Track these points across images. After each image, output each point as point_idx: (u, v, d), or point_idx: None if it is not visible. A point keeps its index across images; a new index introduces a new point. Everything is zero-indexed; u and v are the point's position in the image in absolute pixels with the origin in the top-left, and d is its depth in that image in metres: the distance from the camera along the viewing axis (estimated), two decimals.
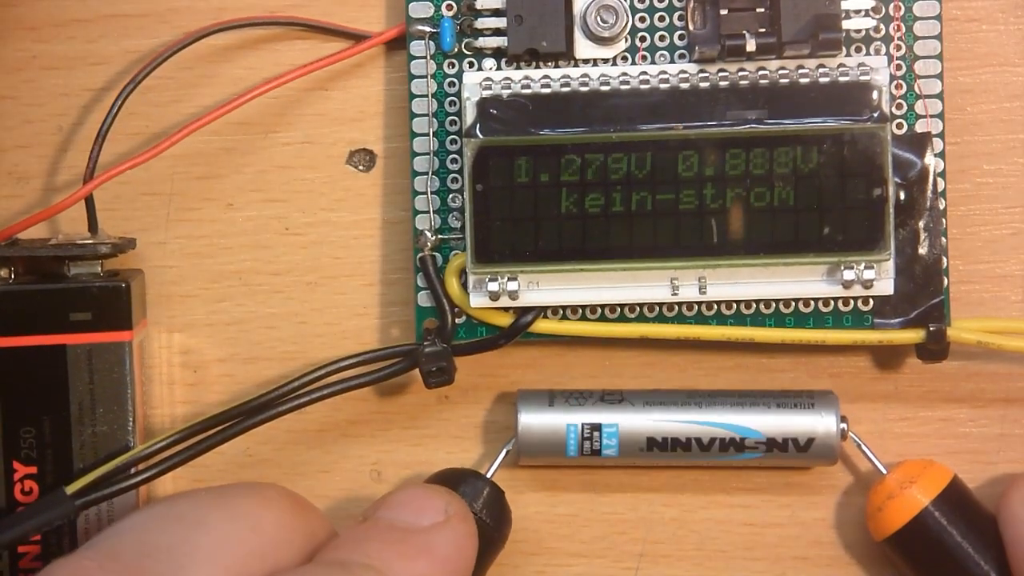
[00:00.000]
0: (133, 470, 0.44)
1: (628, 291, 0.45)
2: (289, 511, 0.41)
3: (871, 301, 0.45)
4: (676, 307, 0.46)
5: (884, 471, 0.45)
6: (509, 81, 0.44)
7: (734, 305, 0.45)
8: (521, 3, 0.45)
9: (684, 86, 0.44)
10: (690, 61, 0.45)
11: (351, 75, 0.47)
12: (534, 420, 0.45)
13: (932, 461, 0.46)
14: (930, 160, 0.45)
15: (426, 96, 0.46)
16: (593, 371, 0.47)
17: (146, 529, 0.39)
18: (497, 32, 0.45)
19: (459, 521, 0.42)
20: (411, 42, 0.46)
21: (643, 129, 0.44)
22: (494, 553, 0.45)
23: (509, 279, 0.44)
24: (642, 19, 0.45)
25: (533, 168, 0.44)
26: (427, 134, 0.46)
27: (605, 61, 0.45)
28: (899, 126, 0.45)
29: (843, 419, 0.45)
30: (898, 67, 0.45)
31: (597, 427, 0.45)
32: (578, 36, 0.45)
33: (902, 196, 0.44)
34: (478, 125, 0.44)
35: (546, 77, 0.44)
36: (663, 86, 0.44)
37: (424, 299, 0.46)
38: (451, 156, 0.46)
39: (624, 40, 0.45)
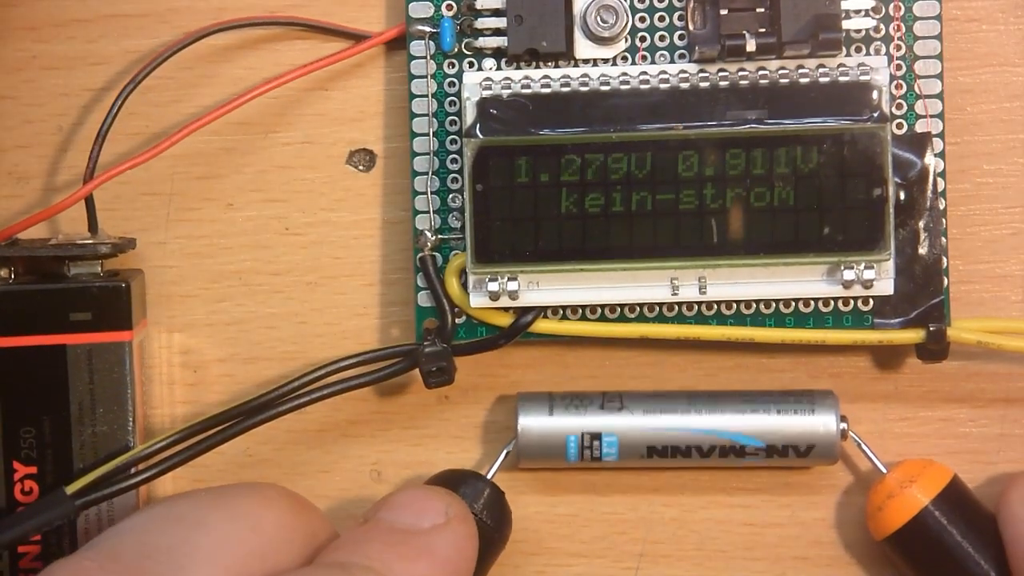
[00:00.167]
0: (133, 470, 0.44)
1: (628, 291, 0.45)
2: (289, 511, 0.41)
3: (871, 301, 0.45)
4: (676, 307, 0.46)
5: (884, 470, 0.46)
6: (509, 81, 0.44)
7: (734, 305, 0.45)
8: (521, 3, 0.45)
9: (684, 86, 0.44)
10: (690, 61, 0.45)
11: (351, 75, 0.47)
12: (534, 427, 0.45)
13: (932, 461, 0.46)
14: (930, 160, 0.45)
15: (426, 96, 0.46)
16: (593, 371, 0.47)
17: (146, 530, 0.39)
18: (497, 32, 0.45)
19: (460, 523, 0.41)
20: (411, 42, 0.46)
21: (643, 129, 0.44)
22: (495, 554, 0.45)
23: (509, 279, 0.44)
24: (642, 19, 0.45)
25: (533, 168, 0.44)
26: (427, 134, 0.46)
27: (605, 61, 0.45)
28: (899, 126, 0.45)
29: (843, 419, 0.45)
30: (898, 67, 0.45)
31: (597, 436, 0.45)
32: (578, 36, 0.45)
33: (902, 196, 0.44)
34: (478, 125, 0.44)
35: (546, 77, 0.44)
36: (663, 86, 0.44)
37: (424, 299, 0.46)
38: (451, 156, 0.46)
39: (624, 40, 0.45)
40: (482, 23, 0.45)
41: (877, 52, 0.45)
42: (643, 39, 0.45)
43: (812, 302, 0.45)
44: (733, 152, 0.43)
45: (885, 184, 0.43)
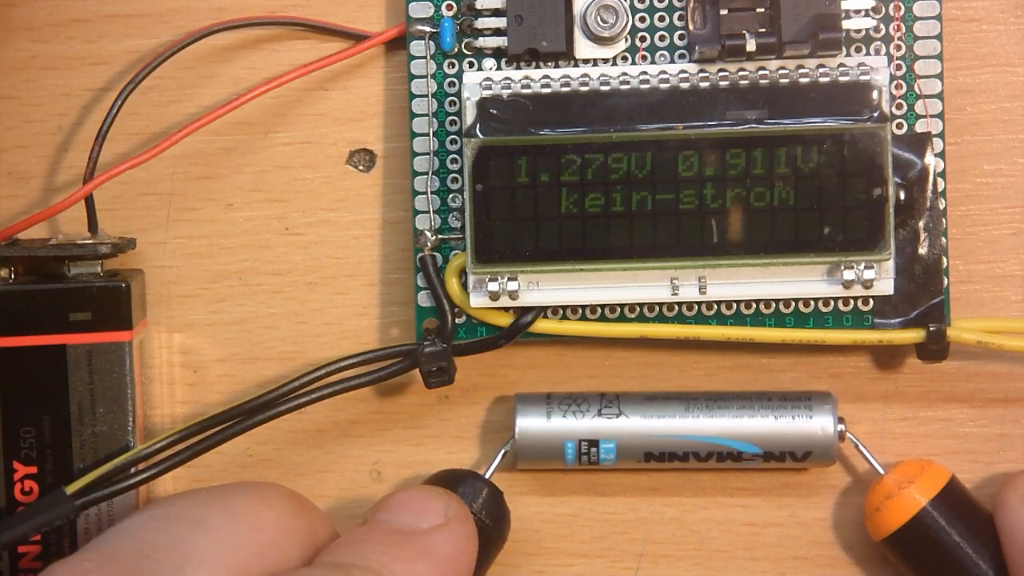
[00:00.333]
0: (133, 470, 0.44)
1: (628, 291, 0.45)
2: (290, 511, 0.41)
3: (871, 301, 0.45)
4: (676, 307, 0.46)
5: (882, 471, 0.46)
6: (509, 81, 0.44)
7: (734, 305, 0.45)
8: (521, 3, 0.45)
9: (684, 86, 0.44)
10: (690, 61, 0.45)
11: (351, 75, 0.47)
12: (531, 431, 0.45)
13: (930, 461, 0.46)
14: (930, 160, 0.45)
15: (426, 96, 0.46)
16: (593, 371, 0.47)
17: (145, 530, 0.39)
18: (497, 32, 0.45)
19: (459, 523, 0.42)
20: (411, 42, 0.46)
21: (643, 129, 0.44)
22: (494, 553, 0.45)
23: (509, 279, 0.44)
24: (642, 19, 0.45)
25: (533, 168, 0.44)
26: (427, 134, 0.46)
27: (605, 61, 0.45)
28: (899, 126, 0.45)
29: (841, 420, 0.45)
30: (898, 67, 0.45)
31: (595, 443, 0.45)
32: (578, 36, 0.45)
33: (902, 196, 0.44)
34: (478, 125, 0.44)
35: (546, 77, 0.44)
36: (663, 86, 0.44)
37: (424, 299, 0.46)
38: (451, 156, 0.46)
39: (624, 40, 0.45)
40: (482, 23, 0.45)
41: (877, 52, 0.45)
42: (643, 39, 0.45)
43: (812, 302, 0.45)
44: (733, 152, 0.43)
45: (885, 184, 0.43)
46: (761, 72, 0.44)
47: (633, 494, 0.47)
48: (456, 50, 0.45)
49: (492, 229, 0.44)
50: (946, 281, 0.45)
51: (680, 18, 0.45)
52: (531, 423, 0.45)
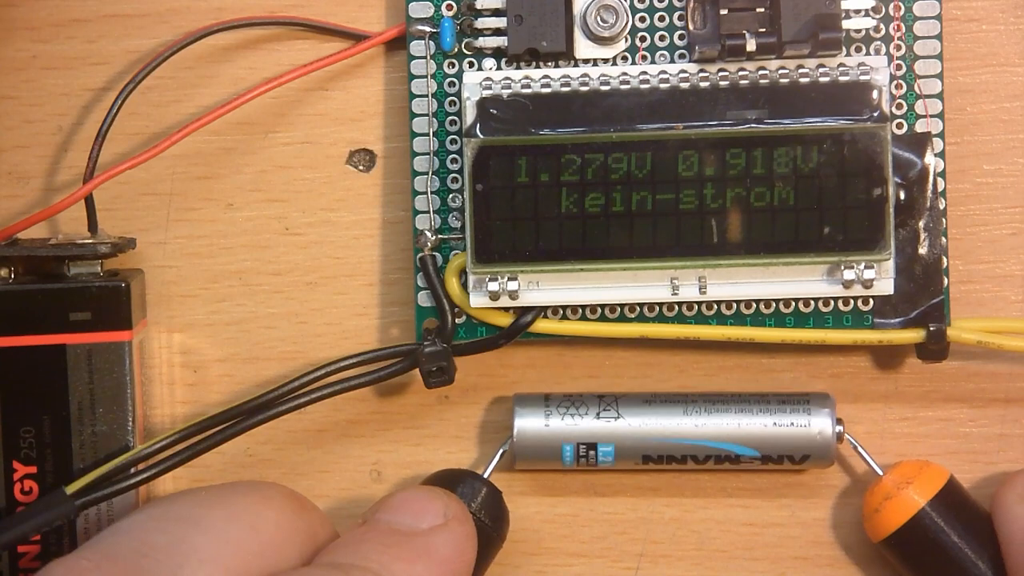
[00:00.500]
0: (133, 470, 0.44)
1: (628, 291, 0.45)
2: (289, 510, 0.41)
3: (871, 301, 0.45)
4: (676, 307, 0.46)
5: (880, 472, 0.45)
6: (509, 81, 0.44)
7: (734, 305, 0.45)
8: (521, 3, 0.45)
9: (684, 86, 0.44)
10: (690, 61, 0.45)
11: (351, 75, 0.47)
12: (529, 434, 0.45)
13: (928, 462, 0.46)
14: (930, 160, 0.45)
15: (426, 96, 0.46)
16: (593, 371, 0.47)
17: (144, 529, 0.39)
18: (497, 32, 0.45)
19: (458, 523, 0.42)
20: (411, 42, 0.46)
21: (643, 129, 0.44)
22: (493, 553, 0.45)
23: (509, 279, 0.44)
24: (642, 19, 0.45)
25: (533, 168, 0.44)
26: (427, 134, 0.46)
27: (605, 61, 0.45)
28: (899, 126, 0.45)
29: (839, 421, 0.45)
30: (898, 67, 0.45)
31: (593, 446, 0.45)
32: (578, 36, 0.45)
33: (902, 196, 0.44)
34: (478, 125, 0.44)
35: (546, 77, 0.44)
36: (663, 86, 0.44)
37: (424, 299, 0.46)
38: (451, 156, 0.46)
39: (624, 40, 0.45)
40: (482, 23, 0.45)
41: (877, 52, 0.45)
42: (643, 39, 0.45)
43: (812, 302, 0.45)
44: (733, 152, 0.43)
45: (885, 184, 0.43)
46: (761, 72, 0.44)
47: (633, 494, 0.47)
48: (456, 50, 0.45)
49: (492, 229, 0.44)
50: (946, 281, 0.45)
51: (680, 18, 0.45)
52: (529, 425, 0.45)
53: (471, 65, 0.45)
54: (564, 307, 0.45)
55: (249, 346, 0.47)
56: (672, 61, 0.45)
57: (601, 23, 0.45)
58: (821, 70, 0.44)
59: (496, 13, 0.45)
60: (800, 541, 0.47)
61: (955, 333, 0.45)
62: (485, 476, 0.46)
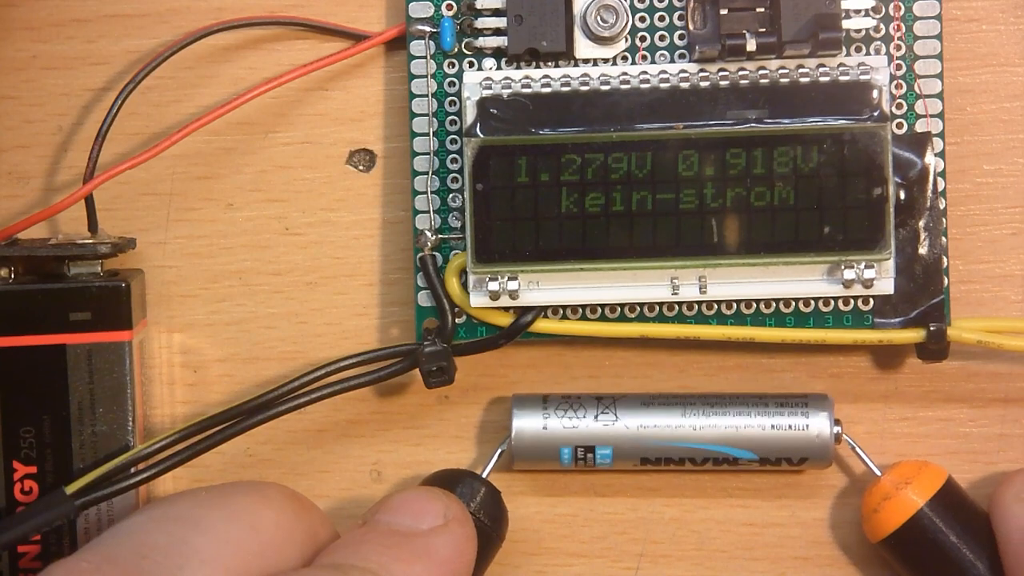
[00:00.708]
0: (133, 470, 0.44)
1: (628, 291, 0.45)
2: (290, 510, 0.41)
3: (871, 301, 0.45)
4: (676, 307, 0.46)
5: (879, 473, 0.45)
6: (509, 81, 0.44)
7: (734, 305, 0.45)
8: (521, 3, 0.45)
9: (684, 86, 0.44)
10: (690, 61, 0.45)
11: (351, 75, 0.47)
12: (527, 436, 0.45)
13: (927, 462, 0.46)
14: (930, 160, 0.45)
15: (426, 96, 0.46)
16: (593, 371, 0.47)
17: (144, 530, 0.39)
18: (497, 32, 0.45)
19: (458, 525, 0.41)
20: (411, 42, 0.46)
21: (643, 128, 0.44)
22: (492, 553, 0.45)
23: (509, 279, 0.44)
24: (642, 19, 0.45)
25: (533, 168, 0.44)
26: (427, 134, 0.46)
27: (605, 61, 0.45)
28: (899, 126, 0.45)
29: (838, 422, 0.45)
30: (898, 67, 0.45)
31: (591, 449, 0.45)
32: (578, 36, 0.45)
33: (902, 196, 0.44)
34: (478, 125, 0.44)
35: (546, 77, 0.44)
36: (663, 86, 0.44)
37: (424, 299, 0.46)
38: (451, 156, 0.46)
39: (624, 40, 0.45)
40: (482, 23, 0.45)
41: (877, 52, 0.45)
42: (643, 39, 0.45)
43: (812, 302, 0.45)
44: (733, 152, 0.43)
45: (885, 184, 0.43)
46: (761, 72, 0.44)
47: (633, 494, 0.47)
48: (456, 50, 0.45)
49: (492, 229, 0.44)
50: (946, 281, 0.45)
51: (680, 18, 0.45)
52: (527, 428, 0.45)
53: (471, 65, 0.45)
54: (564, 307, 0.45)
55: (249, 346, 0.47)
56: (672, 61, 0.45)
57: (601, 23, 0.45)
58: (821, 70, 0.44)
59: (496, 13, 0.45)
60: (800, 541, 0.47)
61: (955, 333, 0.45)
62: (484, 476, 0.46)
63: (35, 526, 0.43)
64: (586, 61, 0.45)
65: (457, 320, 0.46)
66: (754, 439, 0.45)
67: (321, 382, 0.45)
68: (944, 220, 0.45)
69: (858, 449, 0.46)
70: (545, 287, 0.45)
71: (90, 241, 0.45)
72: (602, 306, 0.46)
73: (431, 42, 0.45)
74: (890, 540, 0.45)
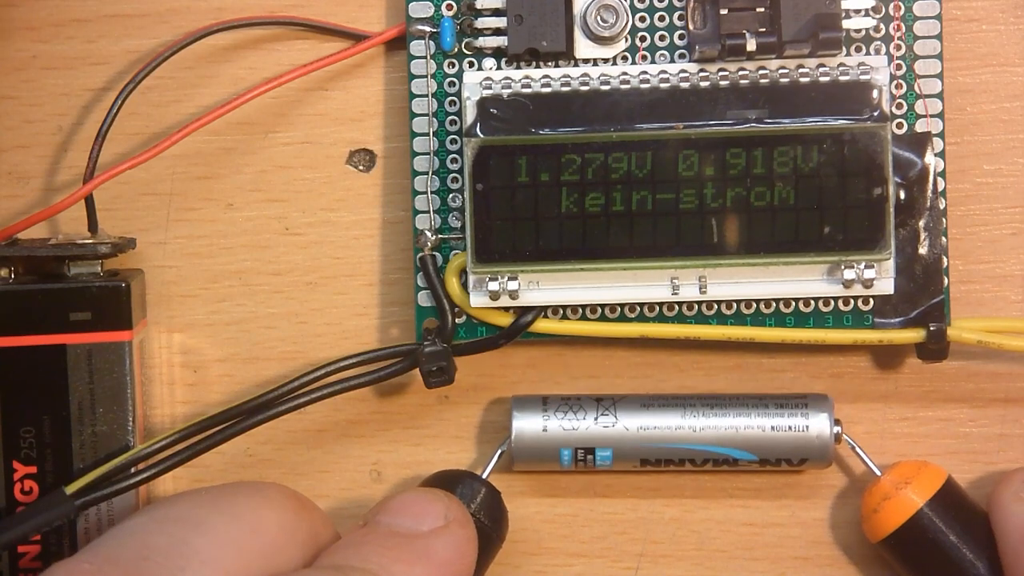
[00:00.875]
0: (133, 470, 0.44)
1: (628, 291, 0.45)
2: (291, 511, 0.41)
3: (871, 301, 0.45)
4: (676, 307, 0.46)
5: (878, 473, 0.45)
6: (509, 81, 0.44)
7: (734, 305, 0.45)
8: (521, 3, 0.45)
9: (684, 85, 0.44)
10: (690, 61, 0.45)
11: (351, 75, 0.47)
12: (527, 437, 0.45)
13: (926, 462, 0.46)
14: (930, 160, 0.45)
15: (426, 96, 0.46)
16: (593, 371, 0.47)
17: (145, 531, 0.39)
18: (497, 32, 0.45)
19: (459, 526, 0.41)
20: (411, 42, 0.46)
21: (643, 128, 0.44)
22: (492, 553, 0.45)
23: (509, 279, 0.44)
24: (642, 19, 0.45)
25: (533, 167, 0.44)
26: (427, 134, 0.46)
27: (605, 61, 0.45)
28: (899, 126, 0.45)
29: (837, 422, 0.45)
30: (898, 67, 0.45)
31: (591, 450, 0.45)
32: (578, 36, 0.45)
33: (902, 196, 0.44)
34: (478, 125, 0.44)
35: (546, 77, 0.44)
36: (663, 86, 0.44)
37: (424, 299, 0.46)
38: (451, 156, 0.46)
39: (624, 40, 0.45)
40: (482, 23, 0.45)
41: (877, 52, 0.45)
42: (643, 39, 0.45)
43: (812, 302, 0.45)
44: (733, 152, 0.43)
45: (885, 183, 0.43)
46: (761, 72, 0.44)
47: (633, 494, 0.47)
48: (456, 50, 0.45)
49: (492, 229, 0.44)
50: (946, 281, 0.45)
51: (680, 18, 0.45)
52: (527, 430, 0.45)
53: (471, 65, 0.45)
54: (564, 307, 0.45)
55: (249, 346, 0.47)
56: (672, 61, 0.45)
57: (601, 23, 0.45)
58: (821, 70, 0.44)
59: (496, 13, 0.45)
60: (800, 541, 0.47)
61: (955, 333, 0.45)
62: (484, 477, 0.46)
63: (35, 526, 0.43)
64: (586, 61, 0.45)
65: (457, 320, 0.46)
66: (754, 440, 0.45)
67: (321, 382, 0.45)
68: (944, 220, 0.45)
69: (858, 449, 0.46)
70: (545, 287, 0.45)
71: (90, 241, 0.45)
72: (602, 306, 0.46)
73: (431, 42, 0.45)
74: (890, 540, 0.45)
